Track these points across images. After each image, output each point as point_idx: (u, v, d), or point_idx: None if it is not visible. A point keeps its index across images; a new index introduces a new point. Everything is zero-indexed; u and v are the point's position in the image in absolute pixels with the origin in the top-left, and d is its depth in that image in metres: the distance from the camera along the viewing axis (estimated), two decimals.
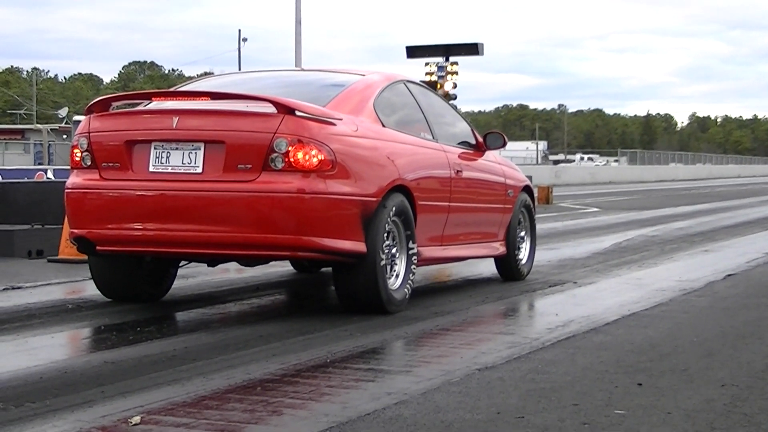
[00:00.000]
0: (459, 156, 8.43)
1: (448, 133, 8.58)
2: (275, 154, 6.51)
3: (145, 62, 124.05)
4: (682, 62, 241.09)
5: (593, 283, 9.09)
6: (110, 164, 6.90)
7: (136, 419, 4.19)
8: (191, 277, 9.20)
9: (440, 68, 30.90)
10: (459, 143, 8.68)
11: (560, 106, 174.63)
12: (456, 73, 30.98)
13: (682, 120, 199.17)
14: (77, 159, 7.06)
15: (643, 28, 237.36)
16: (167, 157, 6.76)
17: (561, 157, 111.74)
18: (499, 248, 9.09)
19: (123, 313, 7.16)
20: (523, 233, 9.54)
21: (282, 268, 9.87)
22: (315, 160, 6.53)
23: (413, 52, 31.87)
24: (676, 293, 8.34)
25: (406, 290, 7.27)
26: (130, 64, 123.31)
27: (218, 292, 8.42)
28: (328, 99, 7.17)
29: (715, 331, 6.55)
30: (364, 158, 6.98)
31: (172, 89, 7.57)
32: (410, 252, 7.32)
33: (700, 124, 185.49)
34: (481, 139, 8.97)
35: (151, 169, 6.79)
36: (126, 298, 7.59)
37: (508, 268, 9.30)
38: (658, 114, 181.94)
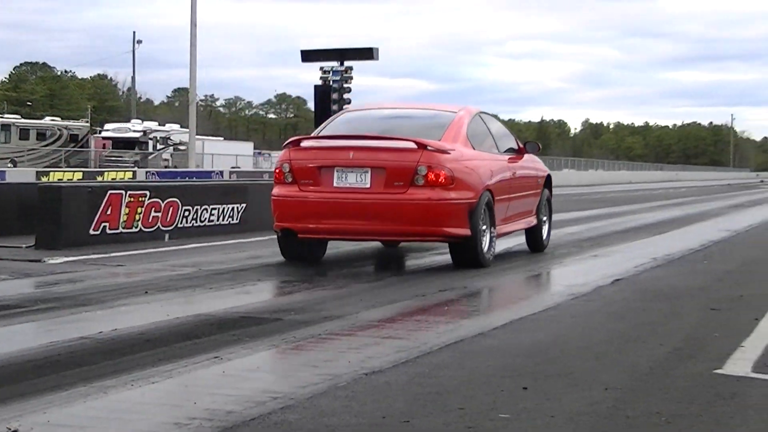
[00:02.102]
0: (511, 160, 12.02)
1: (505, 146, 12.23)
2: (418, 176, 10.04)
3: (37, 63, 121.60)
4: (577, 68, 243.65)
5: (483, 287, 9.13)
6: (306, 181, 10.38)
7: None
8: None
9: (335, 72, 30.89)
10: (507, 150, 12.20)
11: None
12: (351, 77, 31.00)
13: (575, 126, 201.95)
14: (281, 176, 10.46)
15: (540, 34, 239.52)
16: (346, 177, 10.22)
17: None
18: (533, 221, 12.62)
19: None
20: (544, 217, 12.94)
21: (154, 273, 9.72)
22: (441, 178, 10.04)
23: (307, 56, 31.77)
24: (564, 297, 8.45)
25: (491, 252, 10.81)
26: (21, 65, 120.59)
27: (104, 294, 8.23)
28: (440, 134, 10.66)
29: (602, 335, 6.65)
30: (468, 173, 10.47)
31: (346, 135, 10.67)
32: (492, 229, 10.78)
33: (593, 130, 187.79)
34: (522, 146, 12.62)
35: (335, 184, 10.25)
36: (299, 259, 10.94)
37: (536, 238, 12.74)
38: (552, 120, 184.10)
